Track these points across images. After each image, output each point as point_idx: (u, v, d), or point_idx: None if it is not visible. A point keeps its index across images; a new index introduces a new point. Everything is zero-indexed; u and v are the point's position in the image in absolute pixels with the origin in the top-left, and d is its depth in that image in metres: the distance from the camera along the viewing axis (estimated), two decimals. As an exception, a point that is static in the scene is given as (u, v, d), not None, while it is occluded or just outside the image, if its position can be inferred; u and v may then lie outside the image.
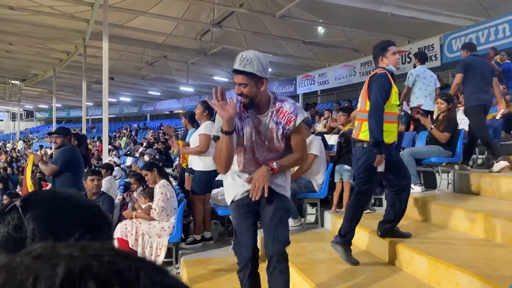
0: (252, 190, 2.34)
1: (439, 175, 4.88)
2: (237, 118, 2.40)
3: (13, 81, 24.88)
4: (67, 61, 18.20)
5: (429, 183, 5.05)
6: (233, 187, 2.52)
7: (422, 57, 6.07)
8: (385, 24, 11.78)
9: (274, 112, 2.40)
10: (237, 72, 2.29)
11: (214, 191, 4.78)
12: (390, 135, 3.21)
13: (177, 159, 8.95)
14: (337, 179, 4.59)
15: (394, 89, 3.22)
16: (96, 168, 6.22)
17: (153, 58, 18.56)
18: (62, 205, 0.73)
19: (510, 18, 9.63)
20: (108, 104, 10.66)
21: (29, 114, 41.51)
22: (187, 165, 4.97)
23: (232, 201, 2.52)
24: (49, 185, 5.92)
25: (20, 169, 12.99)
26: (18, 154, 22.16)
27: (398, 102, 3.26)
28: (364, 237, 3.78)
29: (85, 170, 5.06)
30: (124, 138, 20.19)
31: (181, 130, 6.02)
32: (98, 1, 10.40)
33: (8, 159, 19.70)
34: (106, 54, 9.83)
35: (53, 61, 19.72)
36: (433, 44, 11.93)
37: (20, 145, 20.03)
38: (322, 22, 13.18)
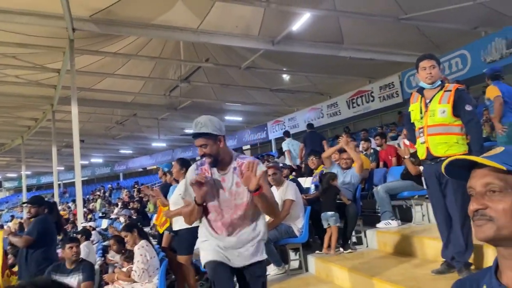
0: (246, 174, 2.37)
1: (413, 208, 5.02)
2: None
3: None
4: (36, 128, 18.01)
5: (406, 217, 5.17)
6: (208, 246, 2.57)
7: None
8: (346, 67, 12.35)
9: (237, 168, 2.52)
10: (195, 136, 2.47)
11: (195, 246, 4.72)
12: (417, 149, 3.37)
13: (154, 216, 8.82)
14: (325, 225, 4.61)
15: (411, 107, 3.34)
16: (73, 235, 6.07)
17: (123, 117, 18.64)
18: None
19: (460, 53, 10.30)
20: (76, 167, 10.50)
21: (-3, 184, 40.15)
22: (169, 227, 4.90)
23: (209, 261, 2.56)
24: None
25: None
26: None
27: (416, 119, 3.29)
28: (342, 275, 3.80)
29: (60, 238, 4.92)
30: (99, 200, 19.73)
31: (156, 186, 6.01)
32: (65, 67, 10.52)
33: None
34: (76, 117, 9.81)
35: (21, 129, 19.48)
36: (393, 82, 12.51)
37: (-11, 218, 19.27)
38: (286, 70, 13.70)
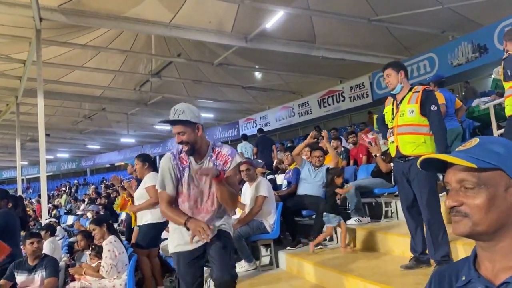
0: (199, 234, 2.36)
1: (383, 205, 5.12)
2: (176, 170, 2.54)
3: None
4: (-2, 120, 17.33)
5: (376, 214, 5.27)
6: (177, 236, 2.58)
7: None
8: (318, 67, 12.48)
9: (214, 157, 2.56)
10: (173, 123, 2.47)
11: (164, 242, 4.65)
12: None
13: (122, 213, 8.65)
14: (329, 224, 4.49)
15: (385, 110, 3.52)
16: (35, 230, 5.86)
17: (91, 111, 18.20)
18: None
19: (429, 55, 10.58)
20: (41, 162, 10.17)
21: (-45, 179, 38.42)
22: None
23: (176, 251, 2.59)
24: None
25: None
26: None
27: (388, 120, 3.43)
28: (313, 271, 3.84)
29: (23, 233, 4.75)
30: (64, 196, 19.20)
31: (127, 181, 5.87)
32: (31, 58, 10.16)
33: None
34: (42, 111, 9.48)
35: (-18, 121, 18.71)
36: (363, 83, 12.73)
37: None
38: (258, 67, 13.71)
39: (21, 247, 4.95)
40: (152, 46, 11.67)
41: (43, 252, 4.25)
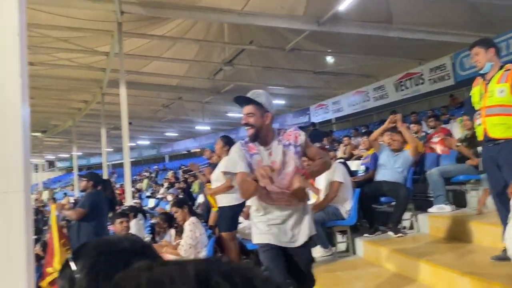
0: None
1: (468, 193, 4.80)
2: (248, 156, 2.54)
3: (34, 133, 25.55)
4: (86, 110, 18.71)
5: (460, 202, 4.95)
6: (261, 230, 2.59)
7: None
8: (395, 48, 11.90)
9: (280, 139, 2.55)
10: (247, 102, 2.48)
11: (241, 225, 4.76)
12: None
13: (199, 197, 8.98)
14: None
15: (472, 91, 3.30)
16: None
17: (169, 100, 18.97)
18: (104, 252, 0.75)
19: (519, 32, 9.66)
20: (125, 149, 10.84)
21: (50, 164, 42.37)
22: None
23: (262, 245, 2.59)
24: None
25: (45, 219, 13.17)
26: (43, 204, 22.49)
27: (475, 101, 3.21)
28: (393, 259, 3.70)
29: (110, 214, 5.10)
30: (145, 181, 20.37)
31: (205, 167, 6.06)
32: (114, 50, 10.79)
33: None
34: (124, 100, 10.08)
35: (72, 111, 20.30)
36: (444, 64, 11.94)
37: (45, 195, 20.38)
38: (331, 51, 13.39)
39: (109, 227, 5.33)
40: (224, 35, 11.85)
41: (130, 231, 4.54)
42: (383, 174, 4.94)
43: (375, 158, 5.30)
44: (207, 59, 13.81)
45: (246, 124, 2.47)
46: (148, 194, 17.47)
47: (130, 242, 0.77)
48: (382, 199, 5.01)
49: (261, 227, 2.56)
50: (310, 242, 2.63)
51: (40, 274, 4.53)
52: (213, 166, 5.25)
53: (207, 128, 24.67)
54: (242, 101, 2.51)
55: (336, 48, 12.84)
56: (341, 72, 14.80)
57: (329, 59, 14.37)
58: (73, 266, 0.72)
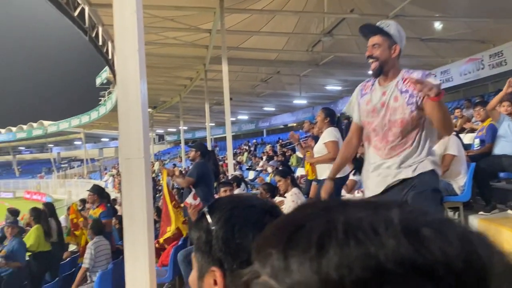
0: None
1: None
2: (359, 98, 2.41)
3: (149, 109, 27.78)
4: (191, 87, 19.72)
5: None
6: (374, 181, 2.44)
7: None
8: (517, 8, 10.57)
9: (400, 81, 2.30)
10: (373, 32, 2.29)
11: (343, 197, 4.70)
12: None
13: (297, 170, 9.04)
14: None
15: None
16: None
17: (267, 75, 19.17)
18: (237, 206, 0.80)
19: None
20: (227, 123, 11.28)
21: (160, 138, 45.88)
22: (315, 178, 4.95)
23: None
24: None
25: (158, 188, 14.33)
26: (155, 175, 24.53)
27: None
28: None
29: (215, 183, 5.37)
30: (245, 154, 21.07)
31: (307, 139, 6.03)
32: (216, 27, 11.13)
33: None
34: (226, 76, 10.41)
35: (179, 88, 21.54)
36: None
37: (156, 166, 22.23)
38: (439, 16, 12.33)
39: (215, 195, 5.62)
40: (324, 5, 11.52)
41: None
42: (503, 147, 4.47)
43: (492, 130, 4.81)
44: (306, 31, 13.62)
45: (370, 57, 2.29)
46: (247, 166, 18.07)
47: (260, 200, 0.84)
48: (501, 174, 4.55)
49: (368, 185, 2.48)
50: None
51: (156, 235, 4.97)
52: (315, 138, 5.20)
53: (304, 102, 24.54)
54: (369, 30, 2.33)
55: (445, 11, 11.80)
56: (451, 38, 13.59)
57: (438, 25, 13.26)
58: (209, 218, 0.79)
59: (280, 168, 7.46)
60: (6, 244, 5.68)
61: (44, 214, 6.10)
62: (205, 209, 0.81)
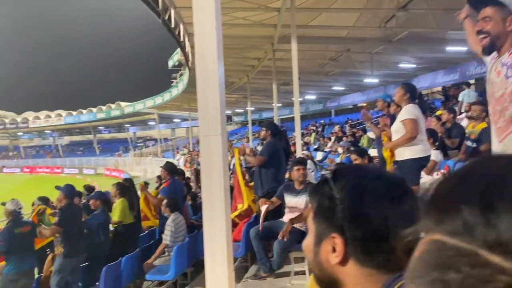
0: None
1: None
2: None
3: (214, 90, 28.36)
4: (258, 67, 19.78)
5: None
6: None
7: None
8: None
9: (508, 55, 2.03)
10: (484, 3, 2.02)
11: (421, 180, 4.49)
12: None
13: (368, 151, 8.78)
14: None
15: None
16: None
17: (336, 53, 18.70)
18: (364, 176, 0.79)
19: None
20: (295, 103, 11.19)
21: (228, 119, 46.85)
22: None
23: None
24: None
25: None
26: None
27: None
28: None
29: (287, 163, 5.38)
30: (313, 134, 20.90)
31: (382, 117, 5.78)
32: (285, 5, 11.00)
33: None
34: (295, 55, 10.29)
35: (246, 69, 21.71)
36: None
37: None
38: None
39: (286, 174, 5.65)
40: (399, -24, 10.93)
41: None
42: None
43: None
44: (379, 6, 13.03)
45: (480, 32, 2.04)
46: (315, 147, 17.93)
47: (387, 172, 0.86)
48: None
49: None
50: None
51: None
52: (391, 117, 5.01)
53: (375, 80, 23.69)
54: (478, 1, 2.08)
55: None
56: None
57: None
58: (333, 186, 0.78)
59: (357, 147, 7.30)
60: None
61: (128, 189, 6.50)
62: (328, 175, 0.81)
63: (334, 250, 0.76)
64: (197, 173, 15.63)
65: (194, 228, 6.28)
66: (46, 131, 64.97)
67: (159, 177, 9.55)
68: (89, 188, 7.34)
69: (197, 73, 2.87)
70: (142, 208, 6.50)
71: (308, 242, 0.83)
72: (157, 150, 45.77)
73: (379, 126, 5.27)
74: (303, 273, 4.48)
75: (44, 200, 6.27)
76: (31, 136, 69.08)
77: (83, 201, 6.45)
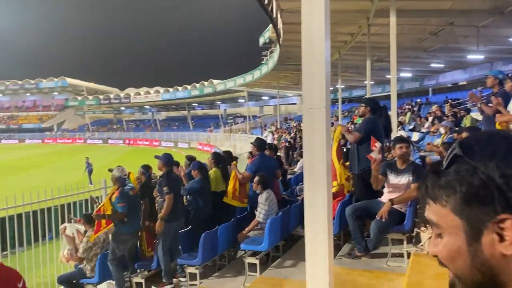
0: None
1: None
2: None
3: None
4: (351, 43, 19.13)
5: None
6: None
7: None
8: None
9: None
10: None
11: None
12: None
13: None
14: None
15: None
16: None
17: (437, 27, 17.39)
18: (497, 137, 0.68)
19: None
20: (392, 80, 10.66)
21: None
22: None
23: None
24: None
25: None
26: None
27: None
28: None
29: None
30: (408, 114, 19.88)
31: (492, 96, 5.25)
32: (384, -24, 10.43)
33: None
34: (394, 29, 9.76)
35: (338, 44, 21.11)
36: None
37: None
38: None
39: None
40: None
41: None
42: None
43: None
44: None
45: None
46: (410, 127, 17.07)
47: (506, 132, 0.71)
48: None
49: None
50: None
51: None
52: (505, 96, 4.57)
53: (481, 57, 21.73)
54: None
55: None
56: None
57: None
58: (471, 162, 0.66)
59: (448, 132, 6.83)
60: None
61: (222, 159, 6.76)
62: (458, 152, 0.68)
63: (501, 238, 0.63)
64: (286, 150, 15.80)
65: (286, 203, 6.37)
66: (146, 106, 69.71)
67: (251, 153, 9.78)
68: (191, 158, 7.75)
69: (303, 48, 2.85)
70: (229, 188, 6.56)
71: (453, 245, 0.67)
72: (246, 127, 46.87)
73: (489, 105, 4.82)
74: (400, 255, 4.34)
75: (146, 168, 6.68)
76: (132, 111, 74.63)
77: (186, 170, 6.83)
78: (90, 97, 70.53)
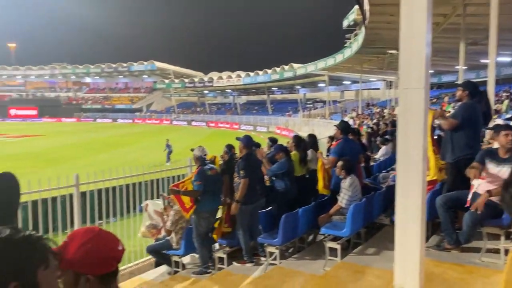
0: None
1: None
2: None
3: (390, 51, 26.68)
4: (444, 24, 17.87)
5: None
6: None
7: None
8: None
9: None
10: None
11: None
12: None
13: None
14: None
15: None
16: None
17: (547, 5, 15.59)
18: None
19: None
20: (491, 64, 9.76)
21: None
22: None
23: None
24: None
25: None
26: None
27: None
28: None
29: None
30: (506, 102, 18.25)
31: None
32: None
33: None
34: (495, 9, 8.90)
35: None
36: None
37: (397, 110, 21.70)
38: None
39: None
40: None
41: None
42: None
43: None
44: None
45: None
46: (508, 116, 15.67)
47: None
48: None
49: None
50: None
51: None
52: None
53: None
54: None
55: None
56: None
57: None
58: None
59: None
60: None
61: (304, 144, 6.71)
62: None
63: None
64: (369, 136, 15.32)
65: (369, 190, 6.18)
66: (227, 90, 71.43)
67: (331, 138, 9.59)
68: (273, 140, 7.82)
69: (401, 26, 2.69)
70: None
71: None
72: (325, 112, 46.13)
73: None
74: (496, 251, 4.02)
75: (229, 147, 6.82)
76: (214, 94, 76.95)
77: (268, 151, 6.88)
78: (177, 80, 73.84)
